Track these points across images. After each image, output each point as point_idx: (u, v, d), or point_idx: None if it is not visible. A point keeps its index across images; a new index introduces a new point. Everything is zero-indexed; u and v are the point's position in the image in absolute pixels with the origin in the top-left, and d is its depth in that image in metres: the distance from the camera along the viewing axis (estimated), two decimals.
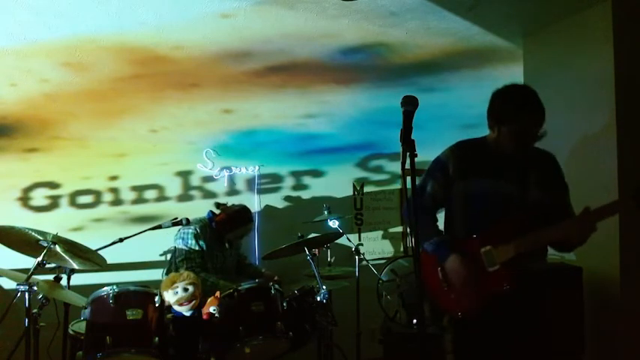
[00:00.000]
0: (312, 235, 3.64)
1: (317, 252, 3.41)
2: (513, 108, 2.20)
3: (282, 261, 3.40)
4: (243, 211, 3.48)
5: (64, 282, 2.70)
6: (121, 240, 2.95)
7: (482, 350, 2.23)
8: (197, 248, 3.24)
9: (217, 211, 3.44)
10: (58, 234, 2.55)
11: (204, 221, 3.37)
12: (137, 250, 3.40)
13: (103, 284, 2.57)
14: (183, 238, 3.26)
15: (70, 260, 2.65)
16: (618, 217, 3.14)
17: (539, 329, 2.25)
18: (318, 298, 2.88)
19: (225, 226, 3.38)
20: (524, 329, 2.20)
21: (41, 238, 2.51)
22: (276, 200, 4.12)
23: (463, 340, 2.36)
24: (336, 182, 4.27)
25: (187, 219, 3.11)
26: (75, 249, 2.64)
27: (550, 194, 2.26)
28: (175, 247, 3.30)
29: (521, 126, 2.18)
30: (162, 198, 3.81)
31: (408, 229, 4.28)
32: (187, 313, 2.60)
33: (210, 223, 3.38)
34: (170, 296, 2.59)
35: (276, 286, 2.80)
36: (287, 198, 4.16)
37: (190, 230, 3.25)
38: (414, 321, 3.37)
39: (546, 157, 2.35)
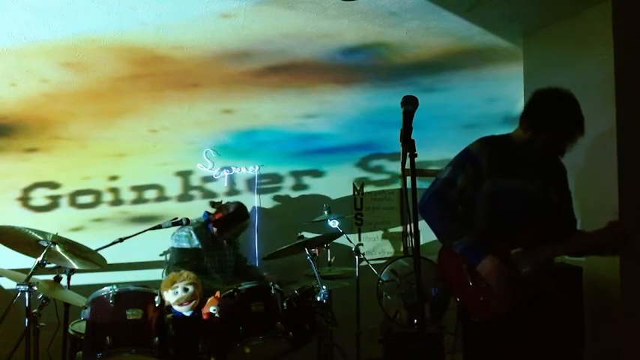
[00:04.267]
0: (313, 235, 3.64)
1: (317, 252, 3.41)
2: (571, 116, 2.20)
3: (282, 261, 3.40)
4: (238, 209, 3.47)
5: (64, 282, 2.70)
6: (121, 240, 2.95)
7: (493, 351, 2.20)
8: (190, 249, 3.24)
9: (213, 211, 3.44)
10: (58, 234, 2.56)
11: (200, 222, 3.38)
12: (137, 250, 3.40)
13: (103, 284, 2.57)
14: (177, 240, 3.27)
15: (70, 260, 2.65)
16: (618, 218, 3.14)
17: (539, 329, 2.25)
18: (318, 298, 2.88)
19: (222, 225, 3.38)
20: (528, 330, 2.20)
21: (41, 238, 2.52)
22: (276, 200, 4.12)
23: (477, 341, 2.27)
24: (336, 182, 4.27)
25: (187, 219, 3.12)
26: (75, 249, 2.65)
27: (567, 200, 2.33)
28: (170, 249, 3.31)
29: (572, 135, 2.21)
30: (162, 198, 3.81)
31: (409, 229, 4.28)
32: (187, 313, 2.60)
33: (207, 224, 3.39)
34: (170, 296, 2.59)
35: (276, 286, 2.80)
36: (287, 198, 4.16)
37: (184, 232, 3.26)
38: (415, 321, 3.37)
39: (561, 163, 2.37)
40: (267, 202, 4.09)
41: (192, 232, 3.27)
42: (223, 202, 3.53)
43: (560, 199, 2.30)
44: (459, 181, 2.22)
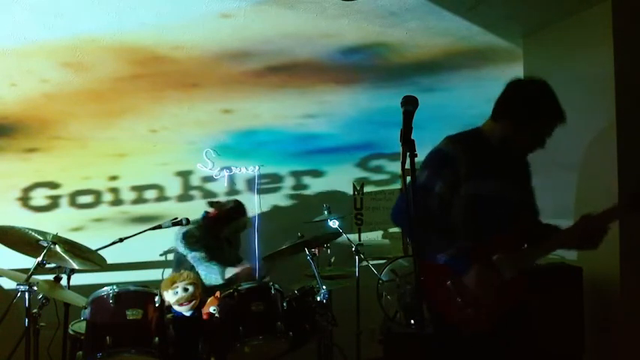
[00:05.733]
0: (313, 235, 3.64)
1: (317, 252, 3.40)
2: (552, 105, 2.08)
3: (282, 261, 3.40)
4: (235, 206, 3.47)
5: (64, 282, 2.70)
6: (121, 240, 2.95)
7: (482, 352, 2.14)
8: (187, 253, 3.23)
9: (211, 210, 3.44)
10: (58, 234, 2.55)
11: (199, 222, 3.37)
12: (137, 250, 3.40)
13: (103, 284, 2.57)
14: (177, 243, 3.26)
15: (70, 260, 2.65)
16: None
17: (539, 329, 2.23)
18: (318, 298, 2.88)
19: (219, 223, 3.38)
20: (525, 330, 2.19)
21: (41, 238, 2.51)
22: (276, 200, 4.12)
23: (459, 346, 2.11)
24: (336, 182, 4.27)
25: (187, 219, 3.11)
26: (75, 249, 2.64)
27: (534, 197, 2.24)
28: (179, 253, 3.30)
29: (554, 125, 2.10)
30: (162, 198, 3.81)
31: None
32: (187, 313, 2.60)
33: (206, 224, 3.38)
34: (170, 296, 2.59)
35: (276, 285, 2.79)
36: (287, 198, 4.16)
37: (181, 236, 3.24)
38: (412, 321, 3.36)
39: (526, 159, 2.27)
40: (267, 202, 4.09)
41: (192, 233, 3.24)
42: (221, 202, 3.53)
43: (530, 198, 2.23)
44: (436, 188, 2.05)
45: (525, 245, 2.14)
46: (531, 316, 2.22)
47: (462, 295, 2.01)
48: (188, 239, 3.22)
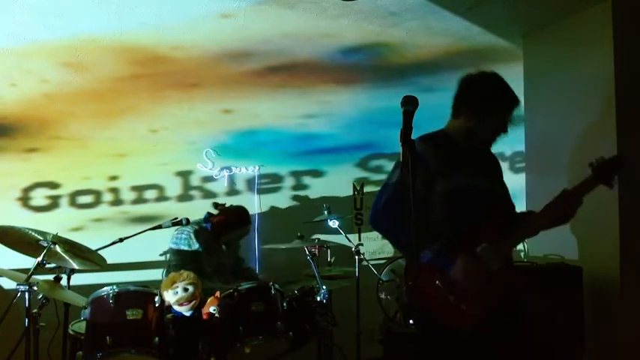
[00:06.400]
0: (312, 235, 3.64)
1: (317, 252, 3.41)
2: (508, 91, 2.18)
3: (283, 261, 3.41)
4: (241, 213, 3.46)
5: (64, 282, 2.70)
6: (121, 240, 2.95)
7: (481, 351, 2.16)
8: (191, 250, 3.22)
9: (215, 212, 3.42)
10: (58, 234, 2.56)
11: (200, 223, 3.37)
12: (137, 250, 3.40)
13: (103, 284, 2.57)
14: (176, 243, 3.25)
15: (70, 260, 2.65)
16: (618, 218, 3.14)
17: (539, 329, 2.24)
18: (318, 298, 2.88)
19: (222, 228, 3.36)
20: (526, 329, 2.19)
21: (41, 238, 2.52)
22: (276, 200, 4.12)
23: (457, 346, 2.09)
24: (336, 182, 4.27)
25: (187, 219, 3.11)
26: (75, 249, 2.64)
27: (507, 190, 2.30)
28: (170, 250, 3.30)
29: (513, 109, 2.19)
30: (162, 198, 3.81)
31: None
32: (187, 313, 2.60)
33: (207, 225, 3.37)
34: (170, 296, 2.59)
35: (276, 285, 2.79)
36: (287, 198, 4.16)
37: (184, 235, 3.24)
38: (411, 322, 3.36)
39: (493, 154, 2.35)
40: (267, 202, 4.09)
41: (191, 235, 3.23)
42: (227, 205, 3.49)
43: (503, 190, 2.29)
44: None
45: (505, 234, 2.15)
46: (526, 315, 2.21)
47: (452, 291, 2.00)
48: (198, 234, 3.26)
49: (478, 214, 2.10)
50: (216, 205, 3.47)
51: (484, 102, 2.17)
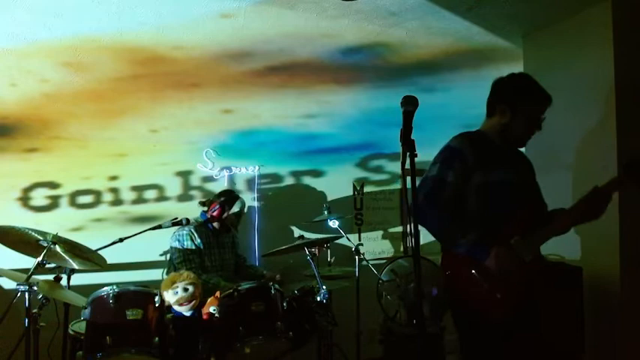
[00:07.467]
0: (312, 235, 3.64)
1: (317, 252, 3.41)
2: (537, 85, 2.30)
3: (283, 261, 3.41)
4: (225, 192, 3.58)
5: (64, 282, 2.70)
6: (121, 240, 2.96)
7: (494, 350, 2.17)
8: (194, 248, 3.27)
9: (206, 208, 3.49)
10: (58, 234, 2.56)
11: (199, 221, 3.41)
12: (137, 250, 3.41)
13: (103, 284, 2.57)
14: (179, 240, 3.30)
15: (70, 260, 2.65)
16: (618, 218, 3.14)
17: (538, 329, 2.25)
18: (318, 298, 2.88)
19: (219, 213, 3.43)
20: (525, 329, 2.20)
21: (41, 238, 2.52)
22: (276, 200, 4.12)
23: (482, 341, 2.20)
24: (336, 182, 4.28)
25: (187, 219, 3.14)
26: (75, 249, 2.65)
27: (539, 188, 2.44)
28: (172, 248, 3.32)
29: (539, 110, 2.30)
30: (162, 198, 3.81)
31: (409, 229, 4.27)
32: (187, 313, 2.60)
33: (206, 223, 3.41)
34: (170, 296, 2.59)
35: (276, 285, 2.80)
36: (287, 198, 4.16)
37: (185, 231, 3.29)
38: (414, 321, 3.36)
39: (526, 156, 2.50)
40: (267, 202, 4.09)
41: (193, 232, 3.33)
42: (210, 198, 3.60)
43: (536, 187, 2.42)
44: (449, 179, 2.20)
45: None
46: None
47: (488, 280, 2.12)
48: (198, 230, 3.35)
49: (512, 208, 2.22)
50: (203, 203, 3.55)
51: (516, 98, 2.28)
